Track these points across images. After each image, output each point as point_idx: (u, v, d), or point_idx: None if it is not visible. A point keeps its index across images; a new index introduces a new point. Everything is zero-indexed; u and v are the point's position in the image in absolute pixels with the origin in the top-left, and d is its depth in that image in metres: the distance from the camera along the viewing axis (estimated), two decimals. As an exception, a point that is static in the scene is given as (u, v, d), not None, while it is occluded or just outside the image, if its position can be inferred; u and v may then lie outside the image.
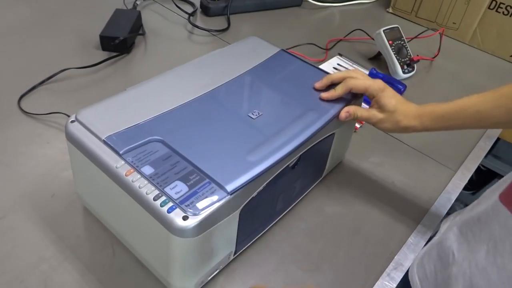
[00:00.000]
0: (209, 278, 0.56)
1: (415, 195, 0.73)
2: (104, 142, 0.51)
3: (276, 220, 0.64)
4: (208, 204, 0.46)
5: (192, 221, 0.45)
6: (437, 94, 0.98)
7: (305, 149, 0.58)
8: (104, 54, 0.94)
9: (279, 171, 0.55)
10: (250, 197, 0.52)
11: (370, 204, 0.71)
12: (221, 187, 0.48)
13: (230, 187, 0.48)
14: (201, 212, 0.45)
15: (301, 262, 0.61)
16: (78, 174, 0.58)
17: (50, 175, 0.67)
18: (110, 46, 0.94)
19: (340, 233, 0.66)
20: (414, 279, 0.58)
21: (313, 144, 0.59)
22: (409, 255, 0.64)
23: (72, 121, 0.54)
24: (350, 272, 0.61)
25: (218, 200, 0.47)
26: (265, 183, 0.53)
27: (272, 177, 0.54)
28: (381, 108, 0.62)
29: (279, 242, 0.63)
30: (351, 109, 0.62)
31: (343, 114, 0.62)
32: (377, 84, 0.62)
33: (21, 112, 0.77)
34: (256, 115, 0.58)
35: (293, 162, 0.58)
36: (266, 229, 0.63)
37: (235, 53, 0.70)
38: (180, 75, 0.63)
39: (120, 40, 0.93)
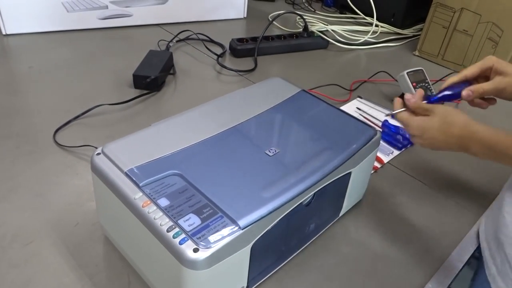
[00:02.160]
0: (220, 313, 0.56)
1: (435, 240, 0.72)
2: (126, 174, 0.54)
3: (290, 258, 0.64)
4: (219, 237, 0.47)
5: (203, 254, 0.46)
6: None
7: (320, 187, 0.59)
8: (136, 92, 1.00)
9: (292, 208, 0.55)
10: (262, 233, 0.52)
11: (388, 247, 0.69)
12: (233, 222, 0.49)
13: (242, 222, 0.49)
14: (212, 245, 0.47)
15: (315, 302, 0.60)
16: (100, 204, 0.61)
17: (76, 204, 0.70)
18: (142, 85, 1.00)
19: (356, 274, 0.65)
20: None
21: (328, 183, 0.60)
22: (428, 301, 0.62)
23: (98, 154, 0.57)
24: (364, 315, 0.59)
25: (229, 234, 0.48)
26: (278, 219, 0.54)
27: (285, 214, 0.55)
28: (503, 72, 0.61)
29: (293, 280, 0.63)
30: (472, 87, 0.62)
31: (464, 93, 0.63)
32: (486, 60, 0.63)
33: (55, 144, 0.82)
34: (273, 152, 0.60)
35: (307, 200, 0.58)
36: (280, 266, 0.63)
37: (257, 92, 0.73)
38: (203, 113, 0.66)
39: (152, 79, 0.99)
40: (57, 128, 0.85)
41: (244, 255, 0.52)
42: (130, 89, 1.01)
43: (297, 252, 0.65)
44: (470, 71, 0.65)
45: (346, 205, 0.71)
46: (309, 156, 0.60)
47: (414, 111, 0.65)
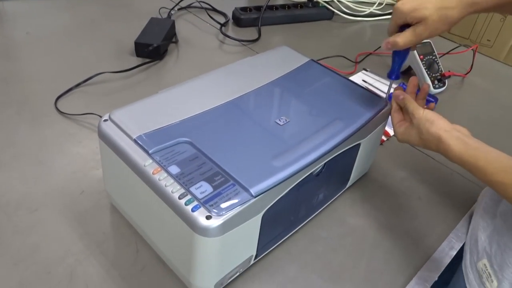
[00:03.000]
0: (229, 281, 0.56)
1: (441, 212, 0.72)
2: (135, 141, 0.53)
3: (298, 228, 0.64)
4: (232, 205, 0.47)
5: (216, 221, 0.46)
6: (468, 111, 0.96)
7: (330, 158, 0.58)
8: (138, 60, 0.97)
9: (303, 178, 0.55)
10: (273, 202, 0.52)
11: (394, 218, 0.70)
12: (246, 190, 0.49)
13: (254, 190, 0.49)
14: (225, 213, 0.46)
15: (322, 271, 0.60)
16: (107, 172, 0.60)
17: (81, 173, 0.69)
18: (144, 53, 0.97)
19: (362, 245, 0.65)
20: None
21: (338, 153, 0.59)
22: (432, 272, 0.62)
23: (105, 120, 0.56)
24: (371, 285, 0.60)
25: (242, 202, 0.47)
26: (289, 189, 0.53)
27: (296, 183, 0.54)
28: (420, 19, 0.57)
29: (300, 250, 0.63)
30: (399, 40, 0.59)
31: (383, 45, 0.61)
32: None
33: (57, 112, 0.80)
34: (284, 121, 0.59)
35: (318, 170, 0.58)
36: (288, 235, 0.63)
37: (265, 61, 0.71)
38: (211, 81, 0.65)
39: (154, 47, 0.96)
40: (58, 96, 0.83)
41: (255, 223, 0.52)
42: (131, 57, 0.99)
43: (304, 223, 0.65)
44: (391, 29, 0.62)
45: (353, 176, 0.71)
46: (320, 126, 0.59)
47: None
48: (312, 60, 0.73)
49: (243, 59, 0.71)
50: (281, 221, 0.58)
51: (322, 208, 0.68)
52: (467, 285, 0.62)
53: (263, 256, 0.60)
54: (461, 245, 0.67)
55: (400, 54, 0.64)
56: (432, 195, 0.75)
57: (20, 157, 0.71)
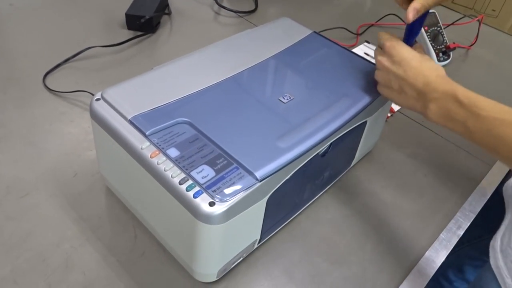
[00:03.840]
0: (232, 266, 0.54)
1: (447, 190, 0.70)
2: (130, 122, 0.49)
3: (302, 209, 0.62)
4: (236, 190, 0.44)
5: (219, 208, 0.43)
6: (474, 85, 0.92)
7: (336, 137, 0.55)
8: (129, 33, 0.92)
9: (308, 159, 0.52)
10: (279, 185, 0.49)
11: (400, 197, 0.68)
12: (250, 173, 0.46)
13: (259, 174, 0.46)
14: (229, 199, 0.43)
15: (327, 254, 0.59)
16: (101, 154, 0.57)
17: (74, 154, 0.66)
18: (135, 25, 0.92)
19: (368, 225, 0.63)
20: (507, 190, 0.59)
21: (344, 132, 0.57)
22: (440, 252, 0.61)
23: (98, 99, 0.52)
24: (378, 267, 0.58)
25: (246, 187, 0.45)
26: (294, 171, 0.51)
27: (301, 165, 0.51)
28: None
29: (305, 232, 0.61)
30: (417, 4, 0.54)
31: (410, 14, 0.55)
32: None
33: (46, 89, 0.76)
34: (287, 99, 0.55)
35: (323, 150, 0.55)
36: (292, 217, 0.61)
37: (266, 34, 0.67)
38: (209, 56, 0.61)
39: (146, 19, 0.91)
40: (46, 72, 0.79)
41: (259, 208, 0.49)
42: (122, 30, 0.93)
43: (309, 204, 0.63)
44: None
45: (358, 155, 0.68)
46: (326, 104, 0.56)
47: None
48: (315, 32, 0.69)
49: (242, 32, 0.67)
50: (285, 203, 0.56)
51: (326, 189, 0.65)
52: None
53: (266, 240, 0.58)
54: (468, 224, 0.65)
55: (415, 25, 0.60)
56: (437, 172, 0.73)
57: (8, 138, 0.67)
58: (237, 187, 0.44)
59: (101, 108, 0.51)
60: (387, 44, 0.56)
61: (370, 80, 0.61)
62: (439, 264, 0.59)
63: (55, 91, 0.76)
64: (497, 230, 0.63)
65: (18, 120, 0.70)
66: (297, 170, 0.51)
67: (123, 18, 0.93)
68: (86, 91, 0.75)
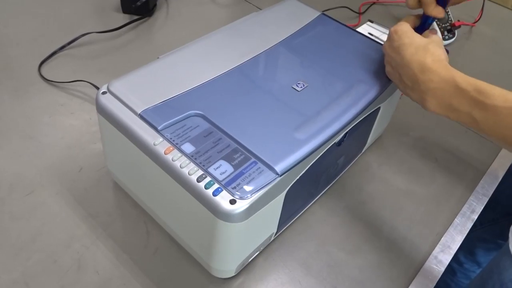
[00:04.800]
0: (249, 260, 0.53)
1: (459, 173, 0.69)
2: (141, 117, 0.47)
3: (315, 199, 0.61)
4: (256, 186, 0.43)
5: (241, 205, 0.41)
6: (479, 63, 0.91)
7: (352, 125, 0.54)
8: (125, 17, 0.89)
9: (326, 149, 0.50)
10: (297, 177, 0.48)
11: (412, 182, 0.67)
12: (270, 168, 0.44)
13: (279, 168, 0.44)
14: (250, 196, 0.42)
15: (343, 243, 0.58)
16: (109, 149, 0.55)
17: (77, 148, 0.63)
18: (131, 9, 0.88)
19: (382, 212, 0.62)
20: None
21: (359, 120, 0.55)
22: (456, 237, 0.60)
23: (104, 93, 0.49)
24: (394, 255, 0.58)
25: (267, 182, 0.43)
26: (312, 162, 0.49)
27: (319, 156, 0.50)
28: None
29: (319, 222, 0.60)
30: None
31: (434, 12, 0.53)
32: None
33: (42, 80, 0.73)
34: (301, 87, 0.53)
35: (339, 139, 0.53)
36: (306, 208, 0.59)
37: (273, 18, 0.64)
38: (216, 43, 0.58)
39: (142, 2, 0.87)
40: (41, 61, 0.75)
41: (278, 202, 0.48)
42: (117, 14, 0.90)
43: (322, 192, 0.62)
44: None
45: (370, 140, 0.67)
46: (340, 90, 0.54)
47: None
48: (323, 13, 0.67)
49: (248, 16, 0.64)
50: (302, 194, 0.55)
51: (339, 176, 0.64)
52: None
53: (282, 231, 0.57)
54: (482, 207, 0.65)
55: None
56: (448, 155, 0.72)
57: (6, 132, 0.64)
58: (258, 183, 0.43)
59: (109, 102, 0.49)
60: (391, 29, 0.53)
61: (382, 64, 0.59)
62: (455, 250, 0.59)
63: (52, 81, 0.73)
64: (509, 216, 0.63)
65: (15, 113, 0.67)
66: (315, 161, 0.50)
67: (117, 1, 0.89)
68: (85, 81, 0.72)
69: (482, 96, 0.44)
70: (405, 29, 0.52)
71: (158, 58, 0.55)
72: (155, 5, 0.93)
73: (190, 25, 0.90)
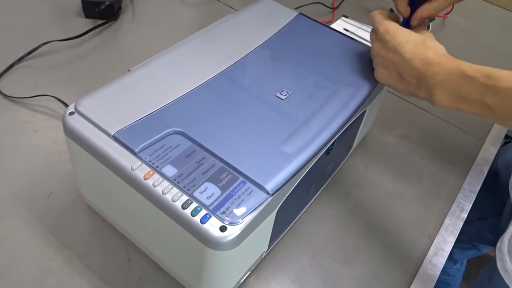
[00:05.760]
0: (241, 282, 0.50)
1: (445, 169, 0.68)
2: (115, 139, 0.43)
3: (305, 209, 0.58)
4: (247, 209, 0.39)
5: (232, 232, 0.38)
6: (453, 53, 0.89)
7: (340, 132, 0.51)
8: (88, 23, 0.83)
9: (315, 161, 0.48)
10: (288, 193, 0.45)
11: (400, 183, 0.65)
12: (260, 187, 0.41)
13: (270, 187, 0.41)
14: (241, 220, 0.39)
15: (336, 254, 0.56)
16: (81, 173, 0.50)
17: (45, 170, 0.58)
18: (94, 13, 0.83)
19: (373, 217, 0.60)
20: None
21: (347, 126, 0.52)
22: (448, 238, 0.59)
23: (71, 113, 0.45)
24: (389, 262, 0.56)
25: (258, 203, 0.40)
26: (303, 176, 0.46)
27: (309, 168, 0.47)
28: None
29: (310, 233, 0.57)
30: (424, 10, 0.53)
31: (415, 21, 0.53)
32: None
33: (0, 95, 0.67)
34: (285, 94, 0.50)
35: (328, 148, 0.51)
36: (296, 219, 0.57)
37: (250, 20, 0.61)
38: (191, 51, 0.54)
39: (106, 5, 0.82)
40: (-2, 75, 0.69)
41: (269, 221, 0.45)
42: (79, 18, 0.84)
43: (311, 201, 0.59)
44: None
45: (356, 143, 0.65)
46: (326, 96, 0.51)
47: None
48: (301, 14, 0.64)
49: (223, 19, 0.61)
50: (292, 208, 0.52)
51: (326, 183, 0.61)
52: None
53: (273, 246, 0.54)
54: (470, 205, 0.64)
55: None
56: (432, 152, 0.71)
57: (-36, 158, 0.59)
58: (248, 205, 0.40)
59: (78, 123, 0.44)
60: (381, 30, 0.51)
61: (366, 64, 0.56)
62: (448, 251, 0.58)
63: (11, 97, 0.67)
64: (483, 219, 0.62)
65: (-27, 134, 0.62)
66: (305, 174, 0.47)
67: (78, 5, 0.84)
68: (49, 95, 0.67)
69: (492, 80, 0.43)
70: (395, 27, 0.50)
71: (129, 71, 0.51)
72: (120, 7, 0.87)
73: (159, 27, 0.85)
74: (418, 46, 0.48)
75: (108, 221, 0.53)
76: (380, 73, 0.52)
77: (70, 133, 0.45)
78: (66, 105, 0.65)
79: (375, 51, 0.52)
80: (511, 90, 0.42)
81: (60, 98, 0.66)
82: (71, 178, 0.57)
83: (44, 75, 0.71)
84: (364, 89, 0.53)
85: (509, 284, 0.57)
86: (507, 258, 0.57)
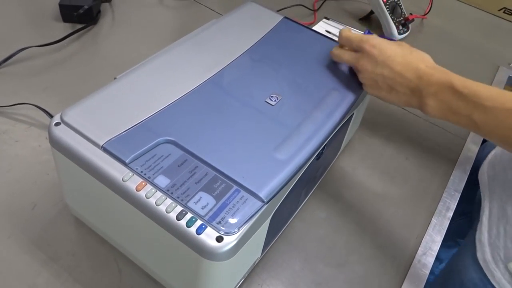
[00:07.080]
0: (235, 289, 0.50)
1: (430, 168, 0.69)
2: (104, 150, 0.42)
3: (295, 214, 0.58)
4: (243, 218, 0.39)
5: (228, 242, 0.38)
6: (431, 54, 0.91)
7: (331, 136, 0.51)
8: (67, 27, 0.81)
9: (307, 166, 0.48)
10: (281, 200, 0.45)
11: (387, 184, 0.66)
12: (254, 195, 0.41)
13: (264, 194, 0.41)
14: (237, 230, 0.38)
15: (328, 257, 0.56)
16: (68, 185, 0.49)
17: (28, 181, 0.57)
18: (72, 17, 0.81)
19: (363, 219, 0.61)
20: (483, 178, 0.62)
21: (337, 129, 0.53)
22: (435, 237, 0.60)
23: (57, 124, 0.44)
24: (379, 263, 0.56)
25: (253, 212, 0.40)
26: (295, 182, 0.46)
27: (301, 174, 0.47)
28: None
29: (302, 237, 0.57)
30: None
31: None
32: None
33: (-23, 104, 0.65)
34: (275, 100, 0.50)
35: (319, 152, 0.51)
36: (286, 224, 0.57)
37: (235, 24, 0.61)
38: (178, 57, 0.53)
39: (85, 9, 0.80)
40: (-26, 83, 0.67)
41: (263, 229, 0.44)
42: (58, 23, 0.82)
43: (301, 206, 0.59)
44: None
45: (343, 146, 0.65)
46: (316, 101, 0.51)
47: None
48: (286, 17, 0.64)
49: (208, 24, 0.60)
50: (284, 214, 0.52)
51: (316, 186, 0.62)
52: (494, 283, 0.58)
53: (265, 252, 0.54)
54: (455, 203, 0.65)
55: None
56: (418, 152, 0.72)
57: None
58: (244, 214, 0.39)
59: (64, 134, 0.43)
60: (366, 47, 0.52)
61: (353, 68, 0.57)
62: (436, 251, 0.59)
63: (-11, 105, 0.64)
64: (464, 215, 0.63)
65: (-51, 146, 0.59)
66: (297, 180, 0.47)
67: (56, 9, 0.82)
68: (29, 103, 0.65)
69: (480, 99, 0.45)
70: (380, 40, 0.51)
71: (115, 78, 0.49)
72: (99, 11, 0.86)
73: (139, 31, 0.83)
74: (407, 58, 0.50)
75: (97, 232, 0.52)
76: (369, 86, 0.53)
77: (57, 145, 0.43)
78: (47, 113, 0.63)
79: (363, 68, 0.52)
80: (496, 109, 0.44)
81: (41, 106, 0.64)
82: (56, 188, 0.56)
83: (23, 82, 0.69)
84: (352, 93, 0.54)
85: (487, 274, 0.58)
86: (487, 249, 0.59)
